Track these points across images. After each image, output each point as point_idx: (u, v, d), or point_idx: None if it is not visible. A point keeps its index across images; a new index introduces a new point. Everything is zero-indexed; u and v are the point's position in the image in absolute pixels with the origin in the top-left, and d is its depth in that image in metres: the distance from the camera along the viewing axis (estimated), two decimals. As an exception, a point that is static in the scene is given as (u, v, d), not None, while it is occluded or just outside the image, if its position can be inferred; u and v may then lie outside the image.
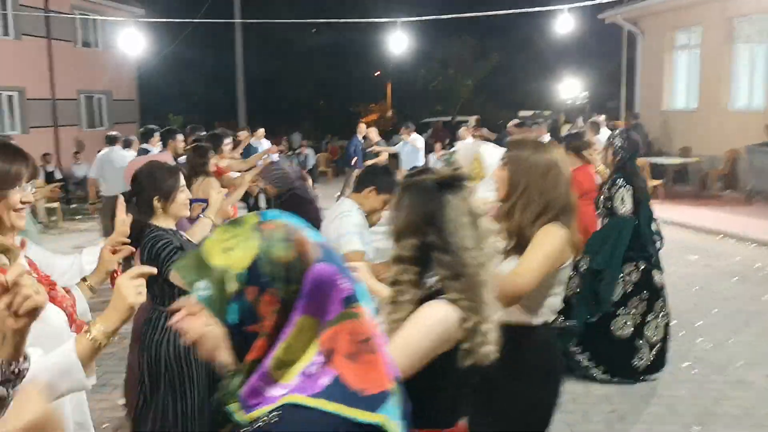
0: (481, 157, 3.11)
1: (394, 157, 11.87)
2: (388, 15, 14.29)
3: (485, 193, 3.22)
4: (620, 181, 4.54)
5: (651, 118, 16.26)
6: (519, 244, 2.36)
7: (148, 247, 2.98)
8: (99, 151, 8.88)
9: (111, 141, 8.95)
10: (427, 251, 1.76)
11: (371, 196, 3.39)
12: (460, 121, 21.10)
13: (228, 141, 6.75)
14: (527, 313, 2.36)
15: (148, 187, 3.09)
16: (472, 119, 28.69)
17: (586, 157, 5.51)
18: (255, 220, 1.15)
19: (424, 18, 13.89)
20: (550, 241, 2.32)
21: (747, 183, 12.49)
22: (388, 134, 32.07)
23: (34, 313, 1.21)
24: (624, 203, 4.50)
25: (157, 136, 8.51)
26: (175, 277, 1.16)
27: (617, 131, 4.98)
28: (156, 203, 3.09)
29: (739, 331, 5.67)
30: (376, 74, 39.05)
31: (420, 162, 11.17)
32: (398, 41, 12.26)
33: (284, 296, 1.09)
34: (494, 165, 3.23)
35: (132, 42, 12.83)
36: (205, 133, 8.06)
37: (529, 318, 2.37)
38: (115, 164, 8.07)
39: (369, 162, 11.05)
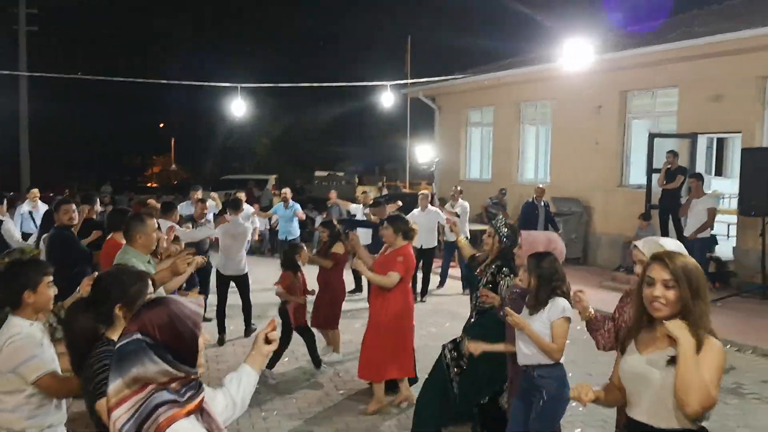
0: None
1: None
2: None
3: None
4: (506, 270, 4.83)
5: (450, 186, 17.70)
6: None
7: (92, 361, 2.63)
8: None
9: None
10: None
11: (31, 294, 3.15)
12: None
13: None
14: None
15: (113, 294, 2.77)
16: (272, 178, 28.52)
17: (409, 236, 5.87)
18: None
19: (235, 85, 13.68)
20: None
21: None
22: (174, 188, 30.52)
23: None
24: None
25: None
26: None
27: (500, 219, 5.14)
28: (118, 312, 2.76)
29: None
30: (160, 126, 37.26)
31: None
32: (238, 106, 11.98)
33: None
34: None
35: None
36: None
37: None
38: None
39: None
